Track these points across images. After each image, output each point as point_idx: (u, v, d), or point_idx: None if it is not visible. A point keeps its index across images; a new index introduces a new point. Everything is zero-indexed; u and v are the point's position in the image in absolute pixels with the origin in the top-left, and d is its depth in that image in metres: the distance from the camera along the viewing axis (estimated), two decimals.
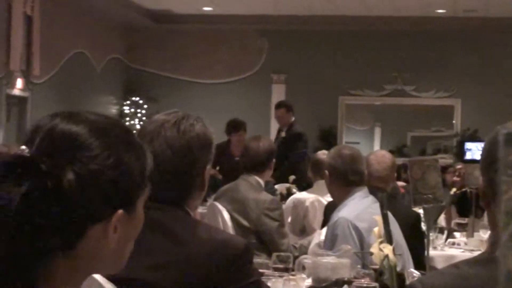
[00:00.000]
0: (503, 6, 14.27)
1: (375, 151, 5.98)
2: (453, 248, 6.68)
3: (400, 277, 3.74)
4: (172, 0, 14.68)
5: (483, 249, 2.83)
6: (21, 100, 12.51)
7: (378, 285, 3.61)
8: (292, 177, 9.00)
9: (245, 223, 5.41)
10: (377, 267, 3.74)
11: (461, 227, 7.18)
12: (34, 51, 12.21)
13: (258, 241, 5.38)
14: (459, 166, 9.60)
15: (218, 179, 8.62)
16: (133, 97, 15.70)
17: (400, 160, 10.90)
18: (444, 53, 15.56)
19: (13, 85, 12.10)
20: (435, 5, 14.60)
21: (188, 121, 2.64)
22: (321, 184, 6.46)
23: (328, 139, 15.13)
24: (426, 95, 15.92)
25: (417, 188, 4.48)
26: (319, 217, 6.28)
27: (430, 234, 6.24)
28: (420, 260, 5.06)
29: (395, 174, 7.72)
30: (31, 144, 1.42)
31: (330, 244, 4.55)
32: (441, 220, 8.04)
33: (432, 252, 6.21)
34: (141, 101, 15.69)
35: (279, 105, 10.84)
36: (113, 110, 15.62)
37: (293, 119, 10.76)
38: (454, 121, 15.90)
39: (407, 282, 3.67)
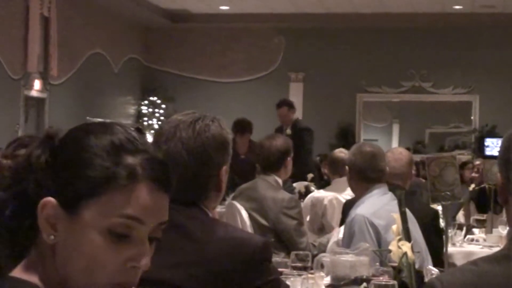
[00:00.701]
0: None
1: (392, 148, 5.96)
2: (472, 244, 6.67)
3: (419, 274, 3.74)
4: None
5: (502, 245, 2.84)
6: (39, 101, 12.56)
7: (397, 283, 3.60)
8: (310, 175, 9.00)
9: (263, 221, 5.41)
10: (395, 264, 3.74)
11: (480, 223, 7.16)
12: (51, 52, 12.27)
13: (276, 239, 5.38)
14: (477, 162, 9.58)
15: (236, 178, 8.64)
16: (150, 97, 15.75)
17: (418, 157, 10.90)
18: (461, 49, 15.51)
19: (31, 87, 12.16)
20: (452, 1, 14.56)
21: (204, 121, 2.64)
22: (339, 182, 6.47)
23: (346, 136, 15.13)
24: (443, 92, 15.88)
25: (435, 185, 4.47)
26: (338, 215, 6.28)
27: (449, 230, 6.24)
28: (439, 257, 5.06)
29: (414, 171, 7.74)
30: None
31: (347, 241, 4.56)
32: (460, 217, 8.03)
33: (451, 249, 6.19)
34: (158, 101, 15.73)
35: (281, 104, 10.75)
36: (131, 110, 15.68)
37: (295, 116, 10.75)
38: (472, 117, 15.85)
39: (426, 279, 3.67)
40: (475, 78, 15.59)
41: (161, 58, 16.27)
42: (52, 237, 1.43)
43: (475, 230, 7.12)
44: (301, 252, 4.34)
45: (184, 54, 16.16)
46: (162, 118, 15.29)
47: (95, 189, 1.42)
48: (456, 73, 15.63)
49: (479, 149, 14.25)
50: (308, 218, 6.74)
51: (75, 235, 1.42)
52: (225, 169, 2.68)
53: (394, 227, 3.77)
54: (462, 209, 8.11)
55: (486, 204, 7.39)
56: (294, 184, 8.63)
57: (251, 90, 15.78)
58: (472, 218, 7.58)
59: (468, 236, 6.80)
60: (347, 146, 5.97)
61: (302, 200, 7.23)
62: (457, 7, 14.98)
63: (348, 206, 5.38)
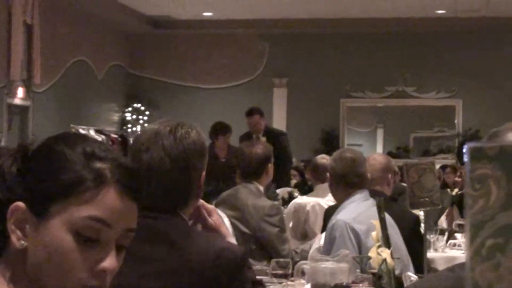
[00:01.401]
0: (503, 6, 14.28)
1: (370, 154, 5.99)
2: (454, 249, 6.68)
3: (398, 281, 3.75)
4: (172, 6, 14.69)
5: None
6: (22, 109, 12.53)
7: None
8: (293, 181, 9.01)
9: (245, 229, 5.40)
10: (375, 271, 3.75)
11: (462, 228, 7.17)
12: (34, 60, 12.24)
13: (258, 247, 5.37)
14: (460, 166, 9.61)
15: (221, 184, 8.61)
16: (134, 103, 15.73)
17: (402, 162, 10.92)
18: (445, 53, 15.57)
19: (14, 94, 12.12)
20: (435, 5, 14.61)
21: (184, 128, 2.65)
22: (321, 188, 6.48)
23: (330, 141, 15.15)
24: (427, 96, 15.93)
25: (414, 191, 4.48)
26: (320, 221, 6.28)
27: (431, 236, 6.25)
28: (421, 263, 5.07)
29: (399, 176, 7.74)
30: None
31: (328, 247, 4.57)
32: (442, 222, 8.04)
33: (433, 254, 6.21)
34: (142, 108, 15.72)
35: (252, 112, 10.61)
36: (115, 117, 15.65)
37: (266, 123, 10.69)
38: (455, 122, 15.91)
39: (405, 286, 3.68)
40: (458, 83, 15.65)
41: (144, 64, 16.26)
42: (22, 242, 1.45)
43: (458, 235, 7.12)
44: (281, 260, 4.34)
45: (167, 60, 16.15)
46: (146, 125, 15.26)
47: (63, 192, 1.44)
48: (440, 78, 15.69)
49: (462, 153, 14.30)
50: (291, 225, 6.74)
51: (44, 239, 1.44)
52: (203, 175, 2.69)
53: (374, 233, 3.79)
54: (444, 214, 8.13)
55: None
56: (278, 190, 8.63)
57: (235, 96, 15.78)
58: (454, 223, 7.59)
59: (450, 241, 6.81)
60: (331, 152, 5.98)
61: (285, 206, 7.23)
62: (439, 11, 15.03)
63: (330, 212, 5.39)
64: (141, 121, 15.54)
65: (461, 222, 7.34)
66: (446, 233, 6.78)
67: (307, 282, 4.03)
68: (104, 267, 1.44)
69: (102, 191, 1.45)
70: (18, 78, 11.93)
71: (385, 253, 3.66)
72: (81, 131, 12.03)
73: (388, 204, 4.88)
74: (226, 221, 5.51)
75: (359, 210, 4.61)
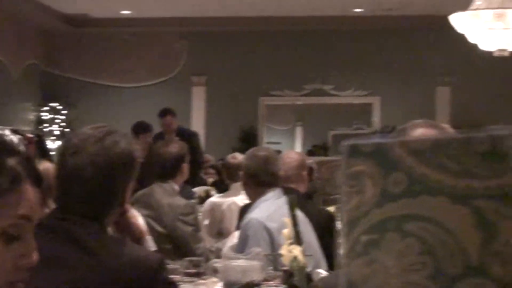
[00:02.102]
0: (420, 5, 14.51)
1: (285, 152, 6.04)
2: None
3: (310, 277, 3.78)
4: (89, 4, 14.53)
5: None
6: None
7: (287, 287, 3.64)
8: (210, 180, 9.00)
9: (160, 229, 5.39)
10: (287, 268, 3.78)
11: None
12: None
13: (173, 246, 5.36)
14: None
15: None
16: (51, 102, 15.49)
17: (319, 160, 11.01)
18: (362, 51, 15.74)
19: None
20: (353, 4, 14.76)
21: (113, 137, 2.62)
22: (235, 187, 6.49)
23: (249, 140, 15.16)
24: (345, 94, 16.07)
25: (325, 188, 4.54)
26: (236, 219, 6.29)
27: None
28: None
29: (316, 174, 7.79)
30: None
31: (242, 244, 4.59)
32: None
33: None
34: (59, 107, 15.49)
35: (165, 112, 10.69)
36: (31, 117, 15.39)
37: (177, 125, 10.75)
38: (373, 119, 16.09)
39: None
40: (376, 80, 15.84)
41: (62, 63, 16.03)
42: None
43: None
44: (194, 258, 4.34)
45: (85, 59, 15.97)
46: (63, 124, 15.08)
47: None
48: (357, 76, 15.86)
49: None
50: (207, 223, 6.74)
51: None
52: (131, 185, 2.67)
53: (286, 231, 3.81)
54: None
55: None
56: (195, 189, 8.63)
57: (154, 94, 15.67)
58: None
59: None
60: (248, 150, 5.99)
61: (202, 205, 7.24)
62: (357, 10, 15.18)
63: (245, 210, 5.40)
64: (58, 120, 15.33)
65: None
66: None
67: (220, 280, 4.04)
68: (28, 261, 1.47)
69: (20, 188, 1.47)
70: None
71: (296, 250, 3.69)
72: None
73: (302, 201, 4.92)
74: (141, 221, 5.50)
75: (272, 208, 4.64)
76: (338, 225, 3.71)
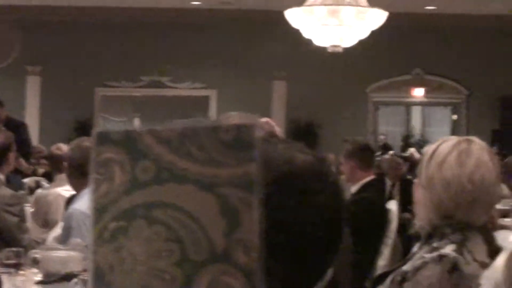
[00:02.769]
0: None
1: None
2: None
3: None
4: None
5: None
6: None
7: None
8: (41, 170, 8.84)
9: None
10: None
11: None
12: None
13: None
14: None
15: None
16: None
17: None
18: (200, 44, 15.80)
19: None
20: None
21: None
22: (61, 177, 6.41)
23: (85, 131, 14.93)
24: (182, 86, 16.12)
25: None
26: (62, 210, 6.21)
27: None
28: None
29: None
30: None
31: (65, 236, 4.55)
32: None
33: None
34: None
35: None
36: None
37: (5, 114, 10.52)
38: (210, 112, 16.19)
39: None
40: (213, 73, 15.96)
41: None
42: None
43: None
44: (14, 249, 4.25)
45: None
46: None
47: None
48: (194, 68, 15.92)
49: None
50: (33, 213, 6.63)
51: None
52: None
53: None
54: None
55: None
56: (26, 180, 8.46)
57: None
58: None
59: None
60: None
61: (32, 195, 7.13)
62: (195, 3, 15.23)
63: (69, 201, 5.35)
64: None
65: None
66: None
67: (39, 271, 3.98)
68: None
69: None
70: None
71: None
72: None
73: None
74: None
75: None
76: None
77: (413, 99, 17.67)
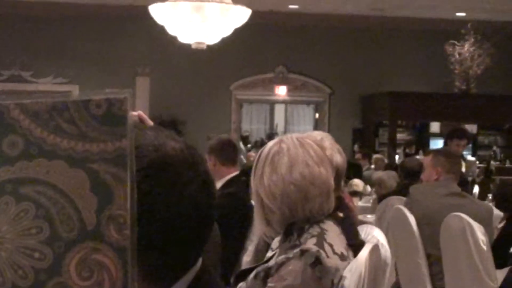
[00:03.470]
0: None
1: None
2: None
3: None
4: None
5: None
6: None
7: None
8: None
9: None
10: None
11: None
12: None
13: None
14: None
15: None
16: None
17: None
18: (62, 38, 15.53)
19: None
20: None
21: None
22: None
23: None
24: (44, 81, 15.80)
25: None
26: None
27: None
28: None
29: None
30: None
31: None
32: None
33: None
34: None
35: None
36: None
37: None
38: None
39: None
40: (76, 68, 15.71)
41: None
42: None
43: None
44: None
45: None
46: None
47: None
48: (57, 63, 15.63)
49: None
50: None
51: None
52: None
53: None
54: None
55: None
56: None
57: None
58: None
59: None
60: None
61: None
62: None
63: None
64: None
65: None
66: None
67: None
68: None
69: None
70: None
71: None
72: None
73: None
74: None
75: None
76: None
77: (277, 97, 17.87)
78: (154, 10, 9.54)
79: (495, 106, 16.58)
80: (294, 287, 2.43)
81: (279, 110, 19.65)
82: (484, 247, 5.08)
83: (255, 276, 2.55)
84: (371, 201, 9.40)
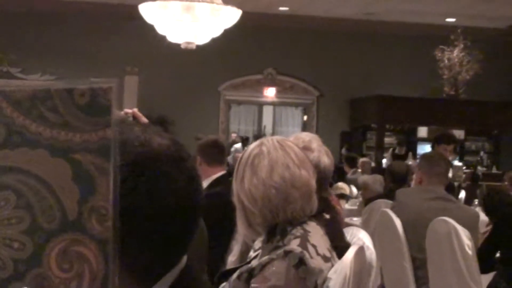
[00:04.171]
0: None
1: None
2: None
3: None
4: None
5: None
6: None
7: None
8: None
9: None
10: None
11: None
12: None
13: None
14: None
15: None
16: None
17: None
18: (51, 36, 15.52)
19: None
20: None
21: None
22: None
23: None
24: (33, 78, 15.77)
25: None
26: None
27: None
28: None
29: None
30: None
31: None
32: None
33: None
34: None
35: None
36: None
37: None
38: None
39: None
40: (63, 66, 15.72)
41: None
42: None
43: None
44: None
45: None
46: None
47: None
48: (46, 60, 15.61)
49: None
50: None
51: None
52: None
53: None
54: None
55: None
56: None
57: None
58: None
59: None
60: None
61: None
62: None
63: None
64: None
65: None
66: None
67: None
68: None
69: None
70: None
71: None
72: None
73: None
74: None
75: None
76: None
77: (265, 99, 17.87)
78: (144, 9, 9.52)
79: (483, 112, 16.62)
80: (278, 287, 2.42)
81: (268, 111, 19.64)
82: (470, 252, 5.08)
83: (238, 277, 2.54)
84: (357, 204, 9.40)
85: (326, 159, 3.23)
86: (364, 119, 17.12)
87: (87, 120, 0.88)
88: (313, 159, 3.10)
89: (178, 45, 9.98)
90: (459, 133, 16.93)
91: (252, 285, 2.47)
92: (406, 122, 17.15)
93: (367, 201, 8.11)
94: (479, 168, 15.65)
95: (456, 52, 15.86)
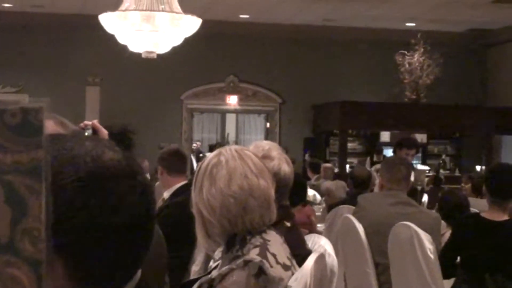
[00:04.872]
0: (71, 2, 14.46)
1: None
2: None
3: None
4: None
5: None
6: None
7: None
8: None
9: None
10: None
11: None
12: None
13: None
14: None
15: None
16: None
17: None
18: (12, 47, 15.41)
19: None
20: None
21: None
22: None
23: None
24: None
25: None
26: None
27: None
28: None
29: None
30: None
31: None
32: None
33: None
34: None
35: None
36: None
37: None
38: None
39: None
40: (25, 77, 15.58)
41: None
42: None
43: None
44: None
45: None
46: None
47: None
48: (6, 72, 15.49)
49: None
50: None
51: None
52: None
53: None
54: None
55: None
56: None
57: None
58: None
59: None
60: None
61: None
62: (7, 5, 14.85)
63: None
64: None
65: None
66: None
67: None
68: None
69: None
70: None
71: None
72: None
73: None
74: None
75: None
76: None
77: (228, 107, 17.88)
78: (104, 20, 9.48)
79: (445, 115, 16.75)
80: None
81: (230, 119, 19.65)
82: (432, 256, 5.11)
83: None
84: (321, 210, 9.43)
85: (286, 167, 3.24)
86: (326, 125, 17.17)
87: (18, 141, 0.87)
88: (273, 167, 3.11)
89: (140, 54, 9.96)
90: (421, 137, 17.04)
91: None
92: (368, 127, 17.23)
93: (330, 207, 8.13)
94: (441, 171, 15.76)
95: (416, 56, 15.97)
